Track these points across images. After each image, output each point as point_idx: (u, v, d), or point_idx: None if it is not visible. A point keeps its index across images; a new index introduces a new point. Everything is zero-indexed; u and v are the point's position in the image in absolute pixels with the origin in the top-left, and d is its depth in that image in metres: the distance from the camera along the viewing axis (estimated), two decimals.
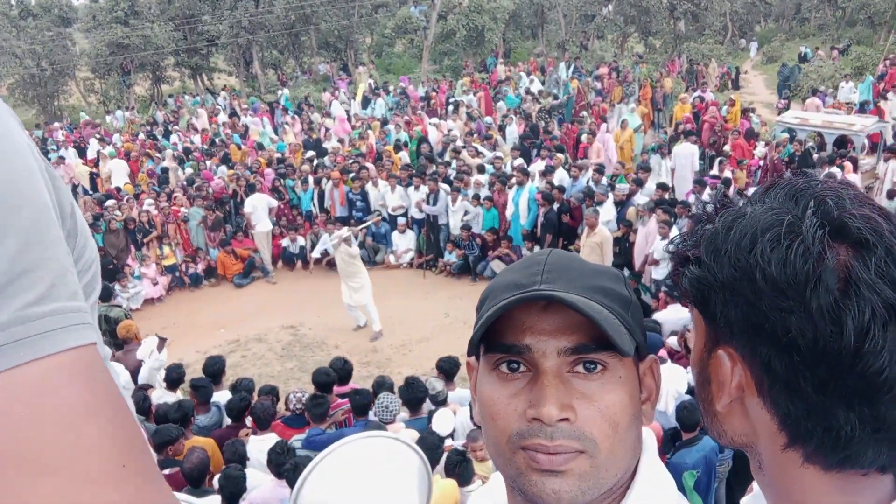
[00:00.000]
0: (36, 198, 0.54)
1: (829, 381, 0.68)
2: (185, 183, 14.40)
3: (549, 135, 15.19)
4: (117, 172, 16.04)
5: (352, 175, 13.43)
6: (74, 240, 0.64)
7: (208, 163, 15.88)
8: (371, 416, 5.46)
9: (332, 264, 12.47)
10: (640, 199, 10.57)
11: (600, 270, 0.83)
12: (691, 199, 10.61)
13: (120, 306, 9.79)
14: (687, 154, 12.72)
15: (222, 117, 21.43)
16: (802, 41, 27.51)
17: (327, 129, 18.27)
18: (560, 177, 12.03)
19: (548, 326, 0.76)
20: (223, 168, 15.33)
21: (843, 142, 12.77)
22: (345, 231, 10.03)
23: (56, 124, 24.10)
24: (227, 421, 6.06)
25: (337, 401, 5.72)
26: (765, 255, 0.70)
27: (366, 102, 21.67)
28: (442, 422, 5.21)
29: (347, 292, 9.77)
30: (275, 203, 12.99)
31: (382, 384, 5.89)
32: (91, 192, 15.53)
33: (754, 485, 0.89)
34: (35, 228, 0.53)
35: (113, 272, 11.32)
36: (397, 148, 15.57)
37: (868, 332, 0.65)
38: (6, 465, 0.49)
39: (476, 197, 11.81)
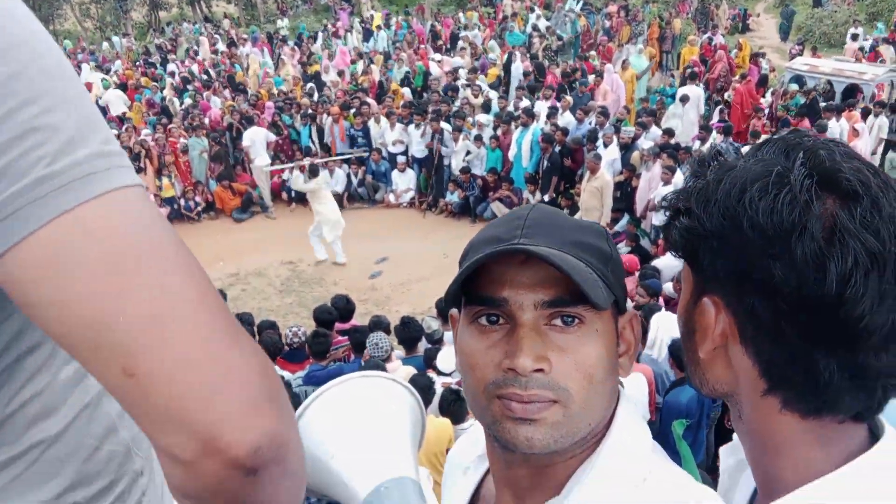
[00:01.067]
0: (70, 70, 0.60)
1: (812, 327, 0.71)
2: (183, 113, 14.21)
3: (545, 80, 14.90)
4: (115, 102, 15.76)
5: (353, 111, 13.25)
6: None
7: (205, 94, 15.61)
8: None
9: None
10: (645, 143, 10.45)
11: (582, 226, 0.84)
12: (696, 144, 10.50)
13: None
14: (693, 97, 12.52)
15: (221, 47, 20.98)
16: None
17: (330, 60, 17.88)
18: (566, 120, 11.87)
19: (526, 280, 0.77)
20: (216, 99, 15.08)
21: (852, 90, 12.57)
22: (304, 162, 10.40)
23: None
24: None
25: (338, 338, 5.80)
26: (753, 203, 0.72)
27: (367, 35, 21.18)
28: (446, 360, 5.30)
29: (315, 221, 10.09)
30: (273, 137, 12.84)
31: (379, 324, 5.96)
32: None
33: (735, 435, 0.92)
34: (82, 89, 0.60)
35: None
36: (405, 82, 15.30)
37: (850, 280, 0.67)
38: (141, 256, 0.55)
39: (478, 137, 11.67)
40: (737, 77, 13.66)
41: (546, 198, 10.81)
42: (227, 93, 15.66)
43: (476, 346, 0.80)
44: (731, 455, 0.97)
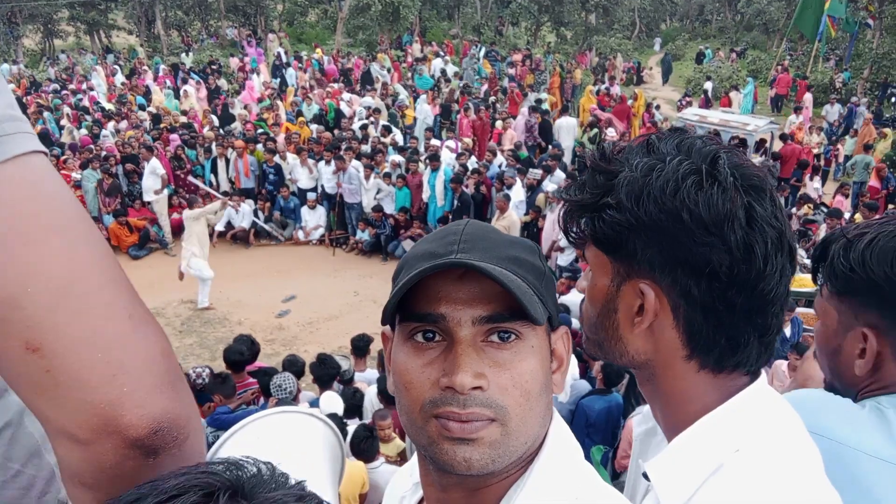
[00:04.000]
0: None
1: (737, 301, 0.85)
2: (77, 144, 13.51)
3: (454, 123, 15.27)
4: None
5: (259, 146, 13.01)
6: None
7: (109, 125, 14.95)
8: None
9: (236, 238, 12.15)
10: (549, 185, 10.82)
11: (515, 241, 0.84)
12: None
13: None
14: (568, 127, 13.65)
15: (119, 77, 20.23)
16: (704, 41, 28.85)
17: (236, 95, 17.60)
18: (472, 161, 12.17)
19: (463, 295, 0.76)
20: (106, 131, 14.54)
21: (741, 141, 13.54)
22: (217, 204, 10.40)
23: None
24: None
25: (248, 379, 5.57)
26: (690, 197, 0.83)
27: (276, 71, 21.02)
28: (328, 403, 5.18)
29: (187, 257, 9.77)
30: (162, 171, 12.30)
31: (294, 363, 5.77)
32: None
33: (643, 407, 1.11)
34: None
35: None
36: (318, 119, 15.24)
37: (768, 259, 0.83)
38: (48, 229, 0.53)
39: (388, 175, 11.73)
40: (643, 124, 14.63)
41: None
42: (123, 124, 15.04)
43: (412, 363, 0.77)
44: (643, 423, 1.11)
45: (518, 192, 10.74)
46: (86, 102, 17.37)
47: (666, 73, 25.37)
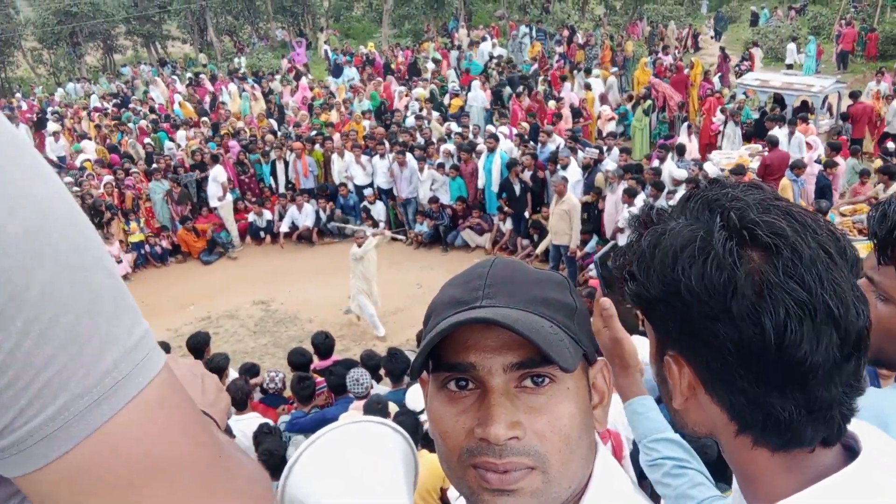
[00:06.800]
0: (86, 219, 0.57)
1: (761, 375, 0.76)
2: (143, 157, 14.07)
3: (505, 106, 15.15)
4: (89, 152, 15.50)
5: (317, 146, 13.24)
6: None
7: (177, 133, 15.46)
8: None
9: (301, 238, 12.44)
10: (609, 164, 10.63)
11: (543, 279, 0.82)
12: (655, 163, 10.71)
13: None
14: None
15: (180, 87, 20.84)
16: (760, 1, 27.68)
17: (291, 95, 17.90)
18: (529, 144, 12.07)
19: (492, 343, 0.75)
20: (169, 142, 14.99)
21: (804, 103, 13.03)
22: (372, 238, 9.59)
23: (18, 95, 23.33)
24: None
25: (317, 379, 5.74)
26: (685, 270, 0.77)
27: (338, 71, 21.16)
28: (415, 397, 5.25)
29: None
30: (223, 178, 12.57)
31: (371, 357, 5.92)
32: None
33: None
34: (103, 254, 0.56)
35: None
36: (372, 114, 15.42)
37: (786, 329, 0.73)
38: (152, 474, 0.56)
39: (441, 165, 11.77)
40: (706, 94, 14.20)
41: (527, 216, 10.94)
42: (190, 132, 15.51)
43: (446, 413, 0.77)
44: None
45: (574, 172, 10.58)
46: (149, 113, 17.94)
47: (718, 36, 24.52)
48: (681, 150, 11.30)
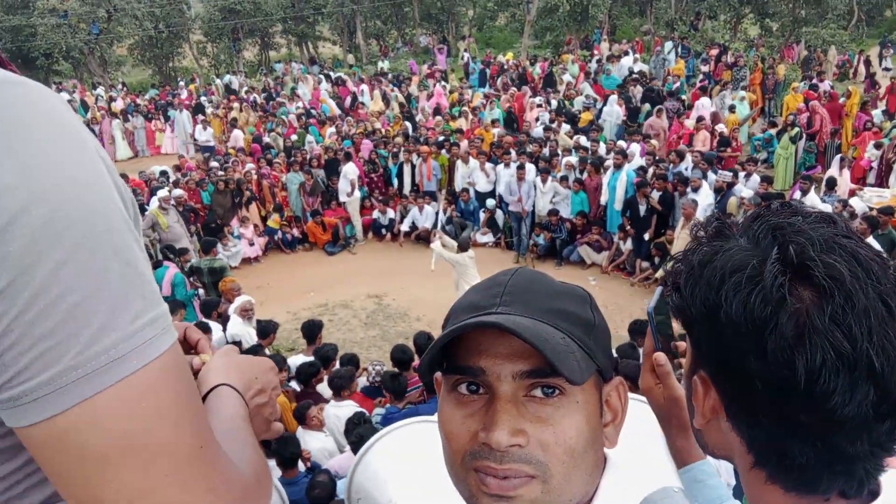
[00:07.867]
0: (116, 209, 0.63)
1: (785, 416, 0.73)
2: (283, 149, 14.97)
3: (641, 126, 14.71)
4: (237, 140, 17.12)
5: (444, 151, 13.50)
6: (137, 224, 0.71)
7: (324, 129, 16.39)
8: None
9: (419, 238, 12.73)
10: (744, 191, 10.08)
11: (563, 292, 0.81)
12: (797, 194, 10.06)
13: (222, 259, 10.39)
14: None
15: (325, 86, 21.94)
16: None
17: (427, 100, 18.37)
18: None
19: (503, 350, 0.75)
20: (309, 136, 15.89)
21: None
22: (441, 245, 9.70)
23: (181, 83, 25.63)
24: None
25: (413, 377, 5.85)
26: (728, 297, 0.74)
27: (482, 79, 21.49)
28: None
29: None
30: (353, 175, 13.09)
31: None
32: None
33: None
34: (125, 244, 0.62)
35: (216, 230, 11.94)
36: (507, 123, 15.57)
37: (819, 377, 0.69)
38: (127, 453, 0.61)
39: (564, 178, 11.61)
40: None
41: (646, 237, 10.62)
42: (334, 128, 16.37)
43: (454, 414, 0.78)
44: None
45: (706, 195, 10.11)
46: (298, 109, 19.09)
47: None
48: (830, 184, 10.53)
